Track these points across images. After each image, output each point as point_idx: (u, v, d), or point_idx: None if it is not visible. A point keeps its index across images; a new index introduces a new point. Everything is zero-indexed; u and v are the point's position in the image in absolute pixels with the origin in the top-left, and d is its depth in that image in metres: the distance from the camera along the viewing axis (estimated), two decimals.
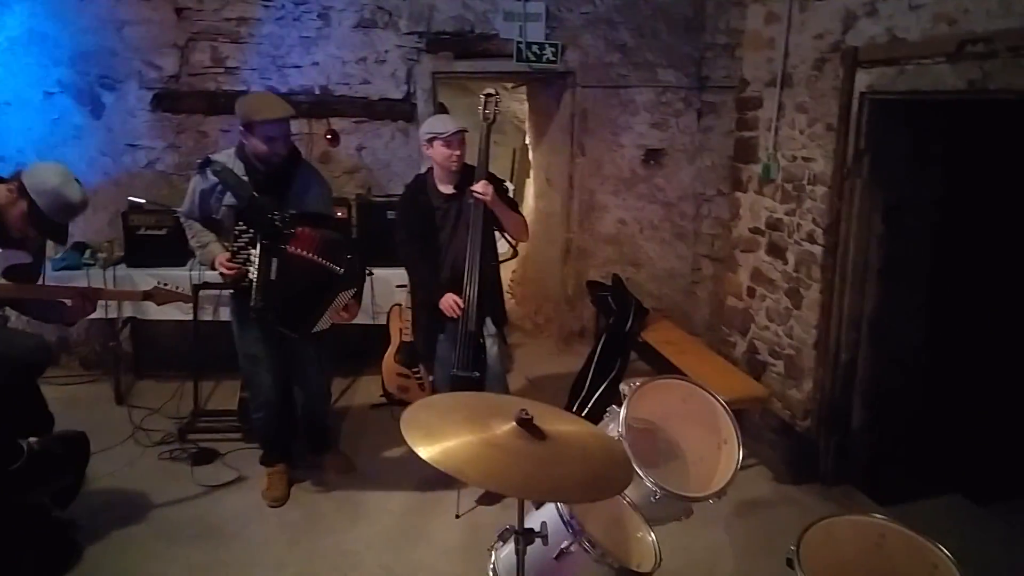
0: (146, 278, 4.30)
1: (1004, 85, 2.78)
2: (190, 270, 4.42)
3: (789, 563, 2.15)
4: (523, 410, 1.62)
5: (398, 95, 5.03)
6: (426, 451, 1.49)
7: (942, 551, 2.20)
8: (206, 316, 4.45)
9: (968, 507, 3.73)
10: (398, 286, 4.47)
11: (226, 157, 3.34)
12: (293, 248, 3.17)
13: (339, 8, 4.88)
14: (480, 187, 3.37)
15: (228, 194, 3.28)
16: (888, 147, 3.59)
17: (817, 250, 3.85)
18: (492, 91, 3.41)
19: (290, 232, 3.18)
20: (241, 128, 3.25)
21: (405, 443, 4.18)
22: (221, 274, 3.32)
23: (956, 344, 4.07)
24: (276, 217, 3.17)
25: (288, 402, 3.75)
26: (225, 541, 3.36)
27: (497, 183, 3.51)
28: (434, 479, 3.86)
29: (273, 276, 3.17)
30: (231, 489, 3.77)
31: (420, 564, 3.25)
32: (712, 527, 3.48)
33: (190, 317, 4.34)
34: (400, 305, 4.53)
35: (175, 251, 4.47)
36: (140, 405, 4.59)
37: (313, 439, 3.94)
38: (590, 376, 4.39)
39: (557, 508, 1.86)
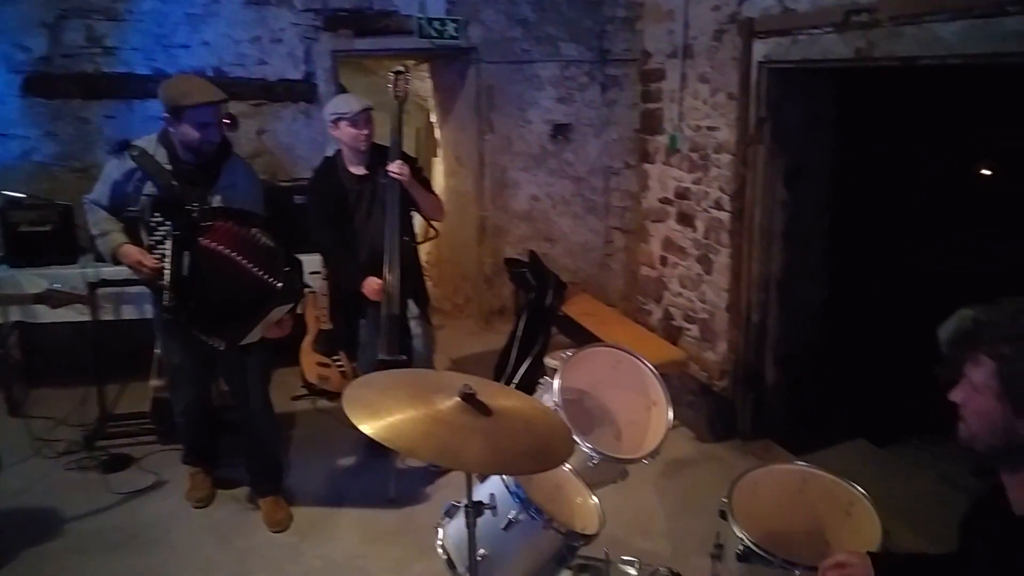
0: (33, 279, 4.04)
1: (887, 53, 2.95)
2: (83, 268, 4.15)
3: (723, 515, 2.24)
4: (466, 385, 1.63)
5: (297, 75, 4.86)
6: (371, 428, 1.47)
7: (856, 489, 2.35)
8: (107, 316, 4.20)
9: (872, 449, 4.01)
10: (311, 273, 4.35)
11: (147, 143, 3.08)
12: (208, 242, 2.94)
13: None
14: (396, 167, 3.32)
15: (149, 183, 3.03)
16: (786, 114, 3.75)
17: (725, 216, 3.99)
18: (402, 68, 3.36)
19: (207, 225, 2.96)
20: (166, 114, 2.99)
21: (331, 433, 4.12)
22: (136, 270, 3.04)
23: (855, 300, 4.33)
24: (194, 208, 2.95)
25: (209, 402, 3.61)
26: (148, 547, 3.22)
27: (411, 162, 3.47)
28: (365, 466, 3.84)
29: (185, 271, 2.95)
30: (150, 494, 3.60)
31: (359, 551, 3.21)
32: (643, 489, 3.59)
33: (88, 318, 4.02)
34: (315, 293, 4.42)
35: (63, 248, 4.21)
36: (39, 415, 4.30)
37: (260, 478, 3.50)
38: (514, 352, 4.43)
39: (502, 479, 1.88)
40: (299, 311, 4.39)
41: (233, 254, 2.94)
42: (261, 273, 2.94)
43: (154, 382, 3.88)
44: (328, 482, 3.73)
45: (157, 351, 3.75)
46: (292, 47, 4.83)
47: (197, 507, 3.50)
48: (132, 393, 4.51)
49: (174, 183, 3.01)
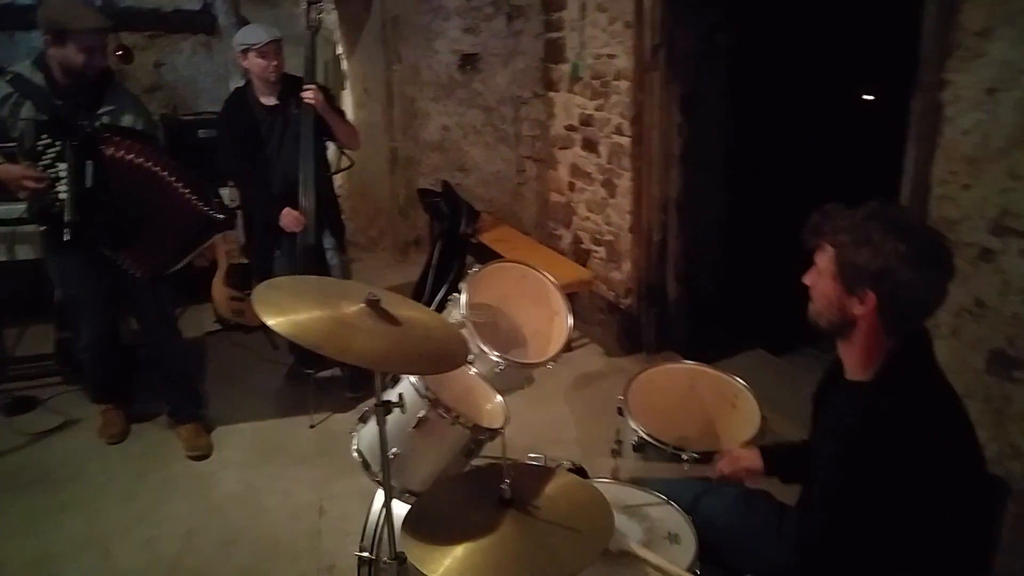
0: None
1: None
2: None
3: (620, 411, 2.44)
4: (371, 292, 1.72)
5: (195, 6, 4.72)
6: (278, 323, 1.55)
7: (740, 383, 2.58)
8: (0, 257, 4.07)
9: (768, 357, 4.32)
10: None
11: (22, 67, 3.00)
12: (115, 151, 2.90)
13: None
14: (310, 94, 3.32)
15: (25, 107, 2.94)
16: (680, 42, 3.87)
17: (625, 141, 4.13)
18: None
19: (106, 136, 2.91)
20: (47, 36, 2.89)
21: (249, 364, 4.15)
22: (24, 195, 2.97)
23: (752, 220, 4.58)
24: (86, 124, 2.90)
25: (117, 337, 3.59)
26: (63, 483, 3.24)
27: (325, 91, 3.48)
28: (285, 398, 3.91)
29: (89, 183, 2.88)
30: (61, 434, 3.60)
31: (280, 474, 3.31)
32: (554, 401, 3.81)
33: None
34: None
35: None
36: None
37: (177, 403, 3.55)
38: (430, 281, 4.54)
39: (411, 382, 2.00)
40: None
41: (150, 164, 2.91)
42: (204, 206, 2.96)
43: (56, 323, 3.83)
44: (247, 411, 3.78)
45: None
46: None
47: (111, 443, 3.51)
48: (33, 335, 4.42)
49: (58, 102, 2.94)
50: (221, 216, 3.06)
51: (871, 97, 5.14)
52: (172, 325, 3.53)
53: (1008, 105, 2.26)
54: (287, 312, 1.58)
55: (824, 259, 1.60)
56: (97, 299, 3.28)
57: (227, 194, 4.12)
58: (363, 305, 1.69)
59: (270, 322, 1.56)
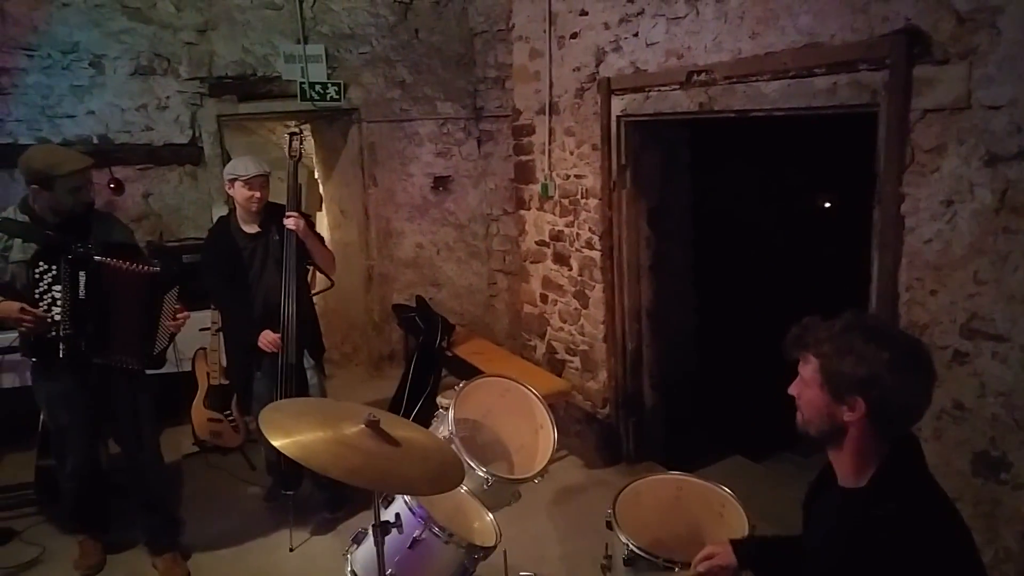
0: None
1: (724, 106, 3.36)
2: None
3: (608, 525, 2.47)
4: (371, 414, 1.79)
5: (183, 139, 4.92)
6: (284, 445, 1.60)
7: (726, 492, 2.63)
8: None
9: (747, 464, 4.37)
10: (201, 330, 4.37)
11: (6, 213, 3.13)
12: (104, 258, 3.04)
13: (113, 56, 4.70)
14: (291, 221, 3.46)
15: (14, 250, 3.05)
16: (645, 160, 4.13)
17: (596, 255, 4.32)
18: (296, 130, 3.56)
19: (99, 251, 3.05)
20: (32, 184, 3.04)
21: (227, 488, 4.11)
22: (19, 322, 3.00)
23: (723, 326, 4.74)
24: (80, 245, 3.02)
25: (99, 464, 3.55)
26: None
27: (306, 217, 3.62)
28: (263, 519, 3.85)
29: (82, 294, 3.00)
30: (37, 567, 3.48)
31: None
32: (536, 516, 3.79)
33: None
34: (204, 349, 4.43)
35: None
36: None
37: (153, 532, 3.48)
38: (406, 395, 4.57)
39: (405, 502, 2.03)
40: (191, 368, 4.41)
41: (130, 265, 3.08)
42: (135, 265, 3.10)
43: (38, 451, 3.77)
44: (226, 535, 3.70)
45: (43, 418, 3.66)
46: (178, 113, 4.90)
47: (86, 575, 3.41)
48: (14, 464, 4.33)
49: (49, 232, 3.06)
50: (156, 268, 3.18)
51: (829, 204, 5.45)
52: (153, 447, 3.50)
53: (965, 215, 2.45)
54: (292, 434, 1.64)
55: (808, 369, 1.66)
56: (83, 427, 3.29)
57: (210, 315, 4.25)
58: (363, 426, 1.75)
59: (277, 444, 1.61)
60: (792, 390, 1.72)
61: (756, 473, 4.26)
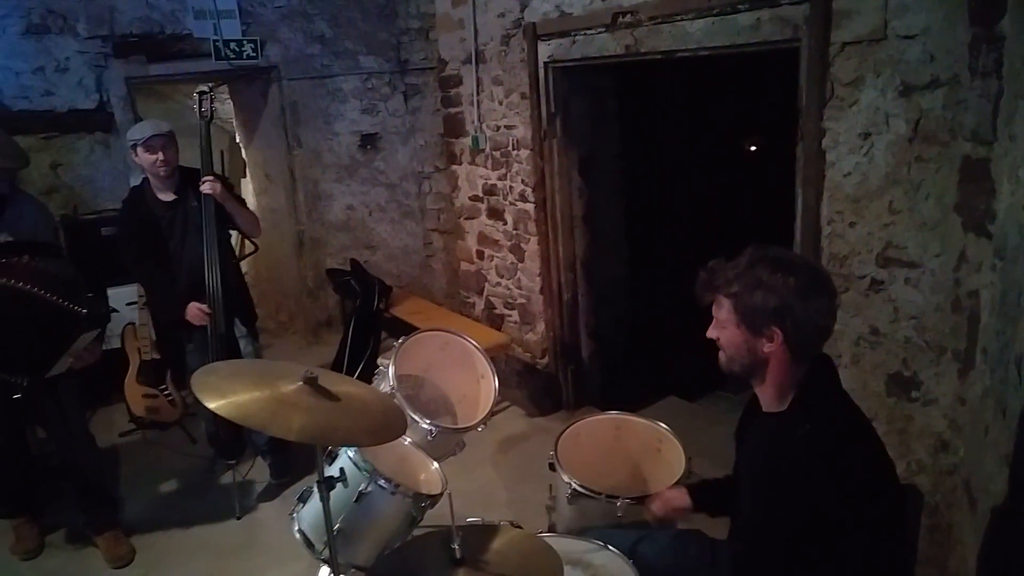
0: None
1: (651, 48, 3.38)
2: None
3: (551, 467, 2.52)
4: (308, 370, 1.76)
5: (90, 105, 4.66)
6: (218, 406, 1.57)
7: (664, 428, 2.72)
8: None
9: (682, 404, 4.50)
10: (128, 304, 4.23)
11: None
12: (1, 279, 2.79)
13: (1, 14, 4.39)
14: (207, 185, 3.34)
15: None
16: (574, 109, 4.13)
17: (529, 207, 4.32)
18: (205, 88, 3.39)
19: None
20: None
21: (167, 462, 4.03)
22: None
23: (654, 272, 4.82)
24: None
25: (22, 449, 3.43)
26: None
27: (223, 180, 3.50)
28: (207, 491, 3.81)
29: None
30: None
31: (212, 570, 3.21)
32: (482, 467, 3.84)
33: None
34: (133, 324, 4.29)
35: None
36: None
37: (92, 512, 3.39)
38: (346, 359, 4.54)
39: (349, 457, 2.03)
40: (120, 344, 4.27)
41: (30, 287, 2.80)
42: (63, 302, 2.85)
43: None
44: (171, 509, 3.65)
45: None
46: (81, 75, 4.61)
47: (25, 559, 3.33)
48: None
49: None
50: (83, 310, 2.91)
51: (754, 148, 5.56)
52: (80, 431, 3.36)
53: (881, 147, 2.54)
54: (227, 395, 1.61)
55: (723, 311, 1.72)
56: None
57: (136, 289, 4.09)
58: (301, 383, 1.73)
59: (211, 406, 1.58)
60: (711, 333, 1.78)
61: (691, 412, 4.40)
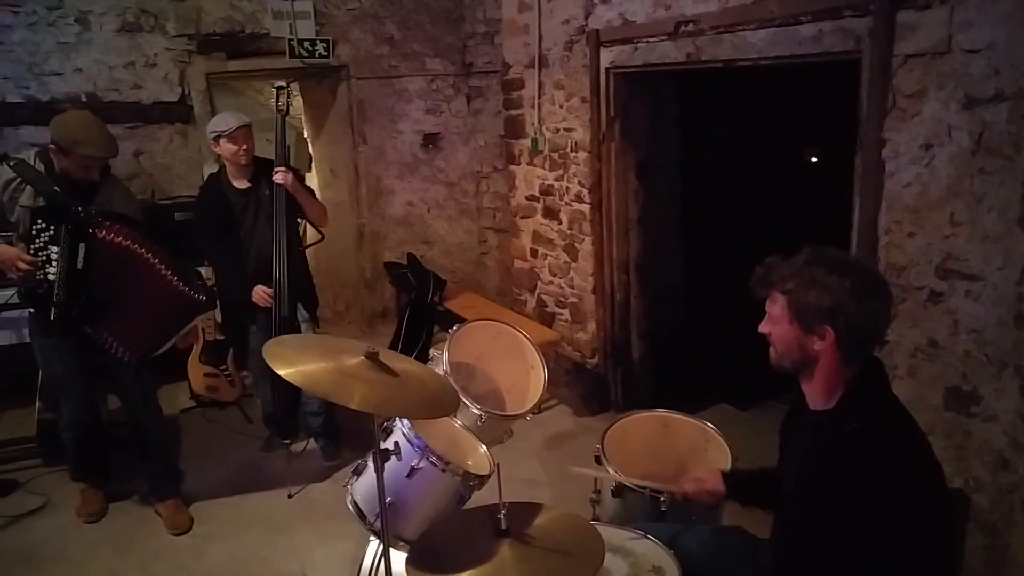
0: None
1: (712, 56, 3.40)
2: None
3: (597, 460, 2.57)
4: (369, 346, 1.86)
5: (172, 97, 4.93)
6: (289, 374, 1.67)
7: (711, 428, 2.75)
8: None
9: (733, 411, 4.46)
10: None
11: (26, 155, 3.15)
12: (104, 234, 3.03)
13: (99, 12, 4.67)
14: (280, 175, 3.49)
15: (25, 194, 3.08)
16: (634, 113, 4.17)
17: (585, 208, 4.37)
18: (283, 84, 3.56)
19: (99, 221, 3.04)
20: (53, 144, 3.04)
21: (225, 440, 4.19)
22: (13, 275, 3.06)
23: (710, 277, 4.81)
24: (81, 210, 3.02)
25: (97, 415, 3.62)
26: (44, 564, 3.21)
27: (295, 171, 3.66)
28: (261, 468, 3.95)
29: (80, 264, 3.01)
30: (40, 515, 3.57)
31: (262, 544, 3.33)
32: (528, 462, 3.90)
33: None
34: None
35: None
36: None
37: (156, 480, 3.57)
38: (400, 349, 4.65)
39: (403, 433, 2.11)
40: None
41: (139, 248, 3.05)
42: (180, 284, 3.11)
43: (39, 405, 3.84)
44: (226, 485, 3.79)
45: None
46: (167, 70, 4.89)
47: (89, 522, 3.50)
48: (11, 418, 4.42)
49: (56, 188, 3.08)
50: (203, 298, 3.20)
51: (815, 159, 5.51)
52: (154, 404, 3.58)
53: (943, 158, 2.52)
54: (295, 364, 1.71)
55: (776, 307, 1.74)
56: (79, 378, 3.35)
57: (204, 272, 4.27)
58: (363, 358, 1.82)
59: (282, 372, 1.68)
60: (763, 328, 1.80)
61: (741, 420, 4.37)
